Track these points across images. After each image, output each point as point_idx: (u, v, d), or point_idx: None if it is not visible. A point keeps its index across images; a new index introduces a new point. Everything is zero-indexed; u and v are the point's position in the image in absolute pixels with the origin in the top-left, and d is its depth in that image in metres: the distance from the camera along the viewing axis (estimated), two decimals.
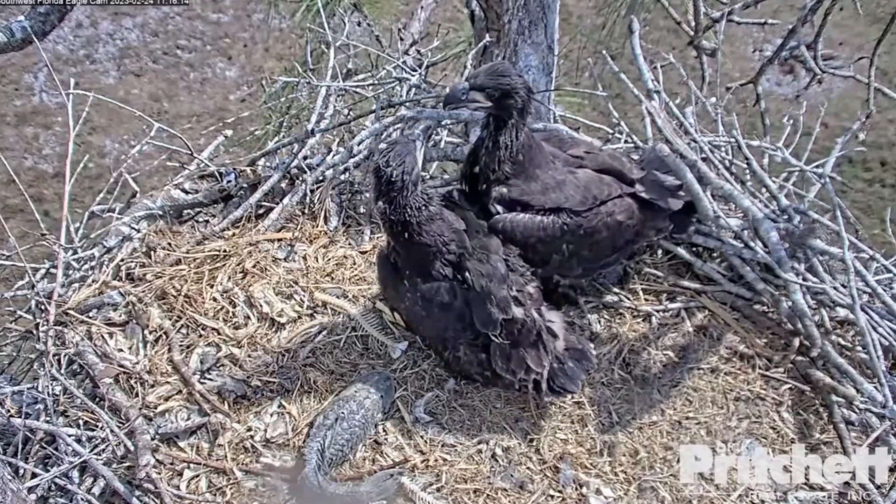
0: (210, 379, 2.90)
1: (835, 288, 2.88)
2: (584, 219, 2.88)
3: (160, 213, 3.49)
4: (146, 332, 3.05)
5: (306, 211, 3.48)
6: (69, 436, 2.71)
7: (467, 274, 2.68)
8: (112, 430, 2.68)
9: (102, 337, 3.05)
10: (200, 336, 3.03)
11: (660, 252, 3.33)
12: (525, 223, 2.86)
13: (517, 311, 2.69)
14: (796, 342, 2.96)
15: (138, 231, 3.44)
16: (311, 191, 3.50)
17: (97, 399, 2.84)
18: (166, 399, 2.85)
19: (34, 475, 2.64)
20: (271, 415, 2.82)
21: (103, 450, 2.69)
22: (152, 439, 2.70)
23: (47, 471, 2.66)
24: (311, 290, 3.15)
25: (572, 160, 3.00)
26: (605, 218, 2.90)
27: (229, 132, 4.12)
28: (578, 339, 2.91)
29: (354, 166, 3.63)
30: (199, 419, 2.77)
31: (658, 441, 2.80)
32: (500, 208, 2.86)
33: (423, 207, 2.62)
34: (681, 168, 3.03)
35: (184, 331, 3.05)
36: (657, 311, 3.13)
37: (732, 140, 3.36)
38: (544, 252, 2.90)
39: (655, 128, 3.30)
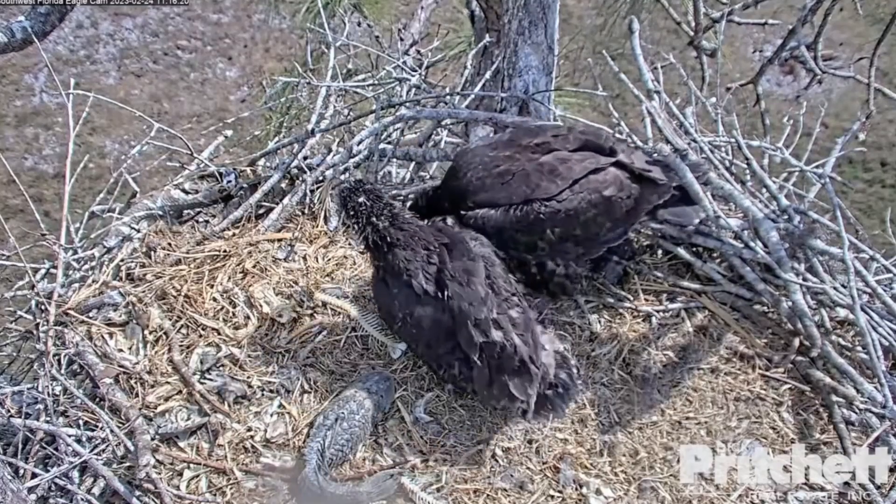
0: (210, 379, 2.90)
1: (835, 288, 2.89)
2: (559, 203, 2.84)
3: (160, 213, 3.48)
4: (146, 332, 3.05)
5: (306, 211, 3.49)
6: (69, 436, 2.70)
7: (447, 293, 2.67)
8: (112, 431, 2.67)
9: (102, 337, 3.04)
10: (200, 336, 3.03)
11: (660, 252, 3.33)
12: (497, 218, 2.86)
13: (496, 335, 2.61)
14: (796, 342, 2.96)
15: (138, 231, 3.44)
16: (311, 191, 3.50)
17: (97, 399, 2.83)
18: (166, 399, 2.85)
19: (34, 475, 2.63)
20: (271, 415, 2.82)
21: (103, 450, 2.68)
22: (152, 439, 2.70)
23: (47, 471, 2.65)
24: (311, 291, 3.15)
25: (537, 148, 2.96)
26: (588, 196, 2.85)
27: (229, 132, 4.12)
28: (565, 361, 2.79)
29: (354, 166, 3.63)
30: (199, 419, 2.77)
31: (658, 441, 2.80)
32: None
33: (389, 228, 2.72)
34: (681, 167, 3.03)
35: (184, 331, 3.05)
36: (657, 312, 3.13)
37: (732, 140, 3.36)
38: (527, 241, 2.89)
39: (655, 128, 3.31)
